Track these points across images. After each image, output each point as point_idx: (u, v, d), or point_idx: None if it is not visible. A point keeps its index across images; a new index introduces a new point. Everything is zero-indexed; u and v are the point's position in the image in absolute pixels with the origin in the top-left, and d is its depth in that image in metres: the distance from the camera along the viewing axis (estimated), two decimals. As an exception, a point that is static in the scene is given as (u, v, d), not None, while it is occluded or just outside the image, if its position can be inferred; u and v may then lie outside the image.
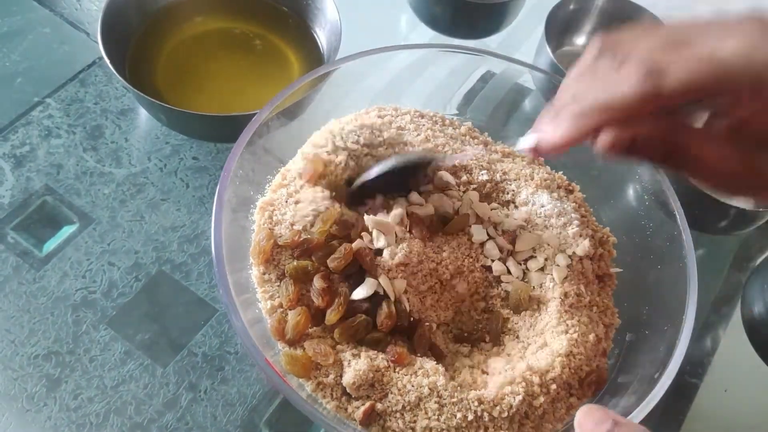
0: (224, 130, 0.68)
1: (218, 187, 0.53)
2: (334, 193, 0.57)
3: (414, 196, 0.58)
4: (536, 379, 0.50)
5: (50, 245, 0.66)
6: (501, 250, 0.59)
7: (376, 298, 0.53)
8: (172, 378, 0.60)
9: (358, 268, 0.54)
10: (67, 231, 0.67)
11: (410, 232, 0.56)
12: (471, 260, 0.58)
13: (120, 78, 0.64)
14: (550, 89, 0.70)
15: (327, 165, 0.57)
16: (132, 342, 0.61)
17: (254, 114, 0.56)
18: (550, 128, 0.44)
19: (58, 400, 0.58)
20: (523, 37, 0.89)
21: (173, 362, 0.61)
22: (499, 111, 0.70)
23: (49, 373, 0.59)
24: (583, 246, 0.58)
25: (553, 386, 0.51)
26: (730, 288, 0.73)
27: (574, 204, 0.61)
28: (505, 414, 0.49)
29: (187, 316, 0.63)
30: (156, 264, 0.66)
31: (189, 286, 0.65)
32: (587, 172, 0.65)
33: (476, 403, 0.49)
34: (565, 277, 0.57)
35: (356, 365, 0.50)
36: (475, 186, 0.61)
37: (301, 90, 0.60)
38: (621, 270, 0.60)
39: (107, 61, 0.65)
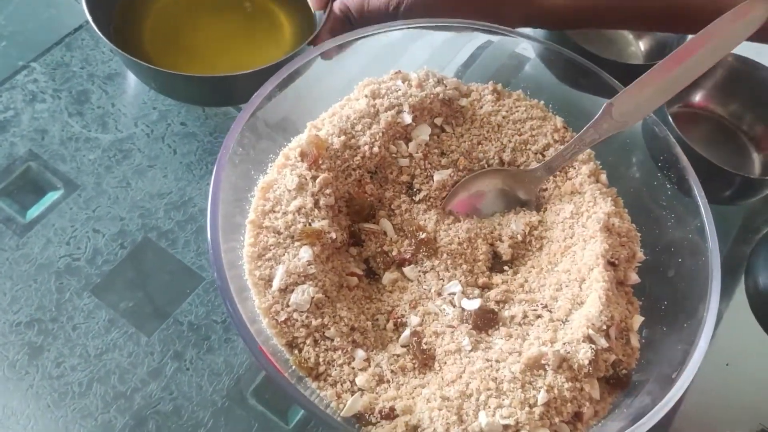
0: (215, 92, 0.66)
1: (215, 166, 0.51)
2: (332, 174, 0.56)
3: None
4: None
5: (34, 212, 0.64)
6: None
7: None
8: (157, 347, 0.59)
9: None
10: (51, 197, 0.65)
11: None
12: None
13: (107, 41, 0.62)
14: (549, 57, 0.68)
15: (327, 148, 0.56)
16: (116, 310, 0.60)
17: (244, 74, 0.54)
18: None
19: (40, 369, 0.57)
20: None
21: (158, 331, 0.59)
22: (497, 79, 0.67)
23: (32, 341, 0.58)
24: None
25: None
26: (734, 259, 0.71)
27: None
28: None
29: (173, 284, 0.62)
30: (142, 231, 0.64)
31: (175, 254, 0.63)
32: (603, 157, 0.64)
33: None
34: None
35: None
36: None
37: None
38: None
39: (93, 24, 0.63)
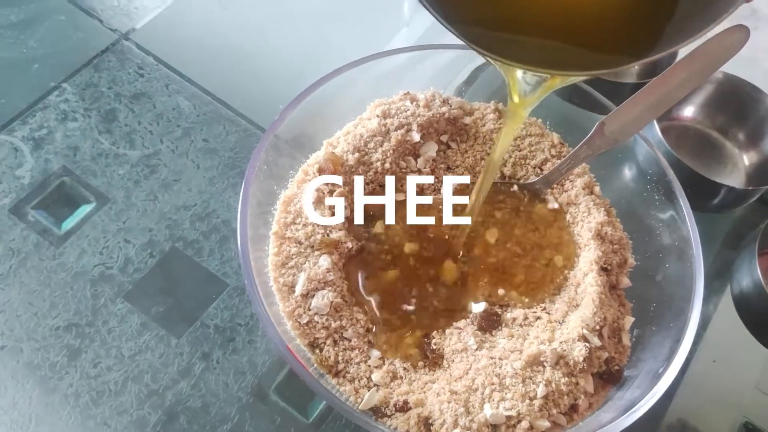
0: None
1: (243, 184, 0.56)
2: (347, 188, 0.62)
3: None
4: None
5: (69, 223, 0.69)
6: None
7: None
8: (186, 348, 0.64)
9: None
10: (84, 210, 0.70)
11: None
12: None
13: None
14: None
15: (343, 164, 0.62)
16: (148, 314, 0.65)
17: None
18: None
19: (79, 369, 0.61)
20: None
21: (186, 333, 0.64)
22: (498, 96, 0.72)
23: (70, 344, 0.63)
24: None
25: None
26: (721, 265, 0.75)
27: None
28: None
29: (199, 290, 0.67)
30: (169, 241, 0.69)
31: (201, 262, 0.68)
32: (597, 170, 0.68)
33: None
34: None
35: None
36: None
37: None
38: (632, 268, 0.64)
39: None
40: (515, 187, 0.66)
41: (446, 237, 0.63)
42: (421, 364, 0.56)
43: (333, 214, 0.60)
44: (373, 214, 0.63)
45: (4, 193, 0.70)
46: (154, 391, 0.61)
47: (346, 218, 0.61)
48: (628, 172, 0.68)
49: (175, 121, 0.76)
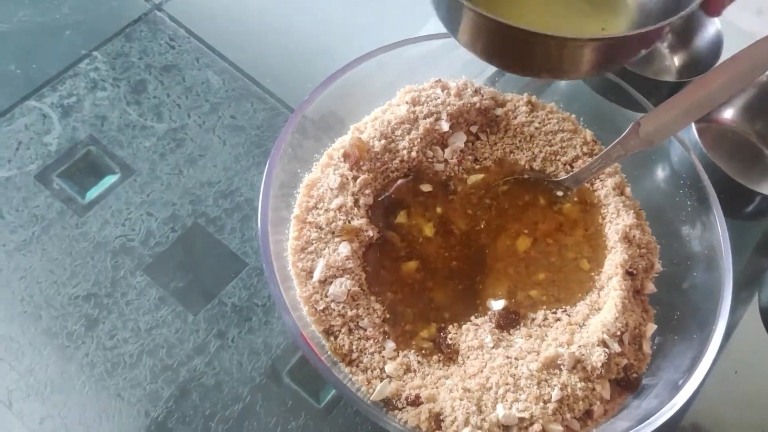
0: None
1: (267, 165, 0.56)
2: (371, 175, 0.60)
3: None
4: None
5: (93, 193, 0.69)
6: None
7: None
8: (202, 325, 0.64)
9: None
10: (109, 180, 0.70)
11: None
12: None
13: None
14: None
15: (368, 150, 0.61)
16: (166, 289, 0.65)
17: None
18: None
19: (95, 339, 0.62)
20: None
21: (204, 310, 0.64)
22: (530, 88, 0.70)
23: (88, 314, 0.63)
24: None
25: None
26: (751, 273, 0.73)
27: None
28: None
29: (219, 267, 0.67)
30: (192, 217, 0.69)
31: (222, 240, 0.68)
32: (628, 170, 0.67)
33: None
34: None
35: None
36: None
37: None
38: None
39: None
40: (543, 183, 0.65)
41: (470, 231, 0.62)
42: (435, 358, 0.55)
43: (356, 201, 0.59)
44: (397, 203, 0.62)
45: (30, 159, 0.70)
46: (169, 366, 0.61)
47: (369, 206, 0.60)
48: (660, 174, 0.66)
49: (204, 96, 0.76)
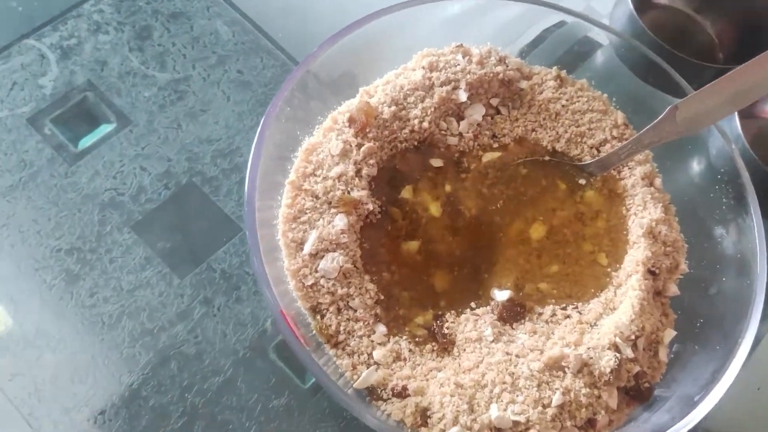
0: None
1: (262, 121, 0.51)
2: (377, 144, 0.55)
3: None
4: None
5: (86, 142, 0.65)
6: None
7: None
8: (188, 290, 0.60)
9: None
10: (104, 129, 0.66)
11: None
12: None
13: None
14: (622, 48, 0.65)
15: (376, 117, 0.56)
16: (153, 248, 0.61)
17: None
18: None
19: (75, 296, 0.59)
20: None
21: (191, 274, 0.61)
22: (563, 64, 0.65)
23: (69, 269, 0.60)
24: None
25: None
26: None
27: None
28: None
29: (211, 230, 0.63)
30: (187, 174, 0.65)
31: (217, 201, 0.64)
32: (660, 160, 0.61)
33: None
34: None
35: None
36: None
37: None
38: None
39: None
40: (565, 167, 0.59)
41: (480, 214, 0.57)
42: (428, 348, 0.51)
43: (358, 171, 0.54)
44: (403, 177, 0.57)
45: (24, 101, 0.66)
46: (149, 331, 0.58)
47: (372, 178, 0.55)
48: (696, 167, 0.60)
49: (211, 47, 0.71)
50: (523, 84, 0.61)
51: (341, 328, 0.50)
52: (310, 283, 0.50)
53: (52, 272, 0.59)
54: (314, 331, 0.50)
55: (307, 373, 0.58)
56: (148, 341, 0.58)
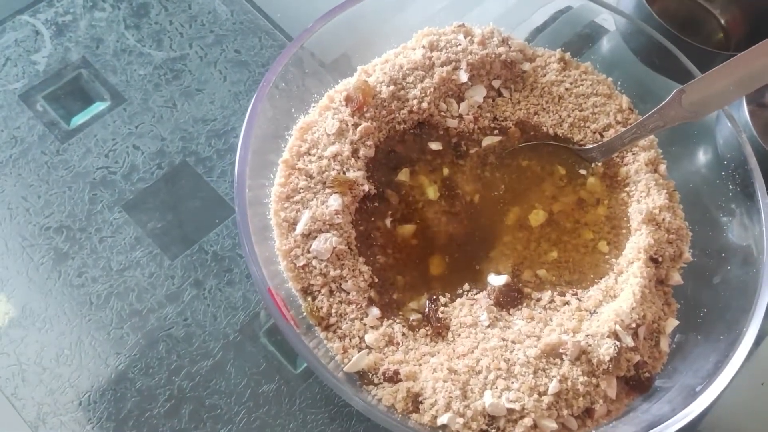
0: None
1: (255, 96, 0.50)
2: (375, 124, 0.54)
3: None
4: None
5: (78, 119, 0.64)
6: None
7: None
8: (179, 272, 0.58)
9: None
10: (97, 107, 0.65)
11: None
12: None
13: None
14: (629, 32, 0.63)
15: (374, 96, 0.54)
16: (144, 229, 0.60)
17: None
18: None
19: (63, 275, 0.57)
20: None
21: (182, 256, 0.59)
22: (569, 48, 0.63)
23: (58, 247, 0.58)
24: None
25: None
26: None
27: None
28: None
29: (203, 212, 0.61)
30: (181, 154, 0.63)
31: (210, 182, 0.62)
32: (665, 146, 0.59)
33: None
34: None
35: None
36: None
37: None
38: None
39: None
40: (567, 152, 0.58)
41: (478, 199, 0.55)
42: (422, 332, 0.49)
43: (354, 151, 0.53)
44: (400, 159, 0.55)
45: (16, 77, 0.65)
46: (137, 312, 0.57)
47: (368, 159, 0.53)
48: (702, 154, 0.59)
49: (209, 26, 0.70)
50: (526, 66, 0.59)
51: (333, 311, 0.49)
52: (301, 263, 0.49)
53: (40, 250, 0.58)
54: (305, 313, 0.49)
55: (298, 359, 0.56)
56: (136, 322, 0.56)
